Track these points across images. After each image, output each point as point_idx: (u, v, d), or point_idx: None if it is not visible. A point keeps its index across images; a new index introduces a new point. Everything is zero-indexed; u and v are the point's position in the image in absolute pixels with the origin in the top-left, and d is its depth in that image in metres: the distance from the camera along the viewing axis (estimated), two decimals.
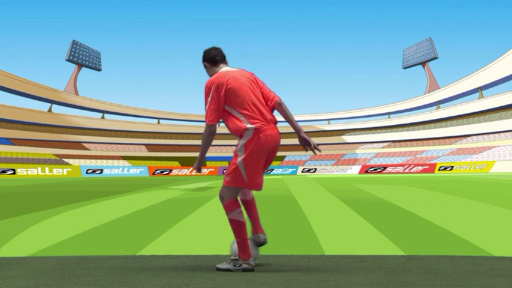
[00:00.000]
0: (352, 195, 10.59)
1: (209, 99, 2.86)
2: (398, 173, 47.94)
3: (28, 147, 51.53)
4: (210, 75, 3.08)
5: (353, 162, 56.59)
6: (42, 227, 5.24)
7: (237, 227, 2.80)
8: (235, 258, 2.83)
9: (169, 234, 4.55)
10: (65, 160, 51.61)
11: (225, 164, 59.92)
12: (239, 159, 2.82)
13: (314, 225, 5.13)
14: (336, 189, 12.98)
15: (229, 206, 2.82)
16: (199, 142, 68.10)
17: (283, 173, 53.23)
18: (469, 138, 53.64)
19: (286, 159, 61.78)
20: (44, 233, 4.80)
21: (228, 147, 67.80)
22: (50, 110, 57.31)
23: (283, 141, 66.26)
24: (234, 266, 2.82)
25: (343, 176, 35.73)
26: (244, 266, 2.81)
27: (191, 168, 2.87)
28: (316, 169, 53.03)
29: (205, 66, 3.10)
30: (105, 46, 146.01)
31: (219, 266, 2.86)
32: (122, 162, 56.55)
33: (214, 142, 68.13)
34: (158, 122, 69.40)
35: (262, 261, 3.07)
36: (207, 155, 64.45)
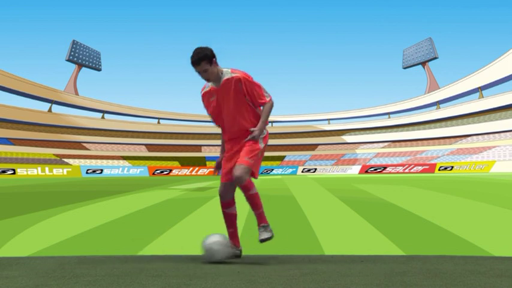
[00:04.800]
0: (352, 195, 10.59)
1: (260, 85, 3.13)
2: (398, 173, 47.95)
3: (28, 147, 51.52)
4: (214, 73, 3.07)
5: (353, 162, 56.58)
6: (42, 227, 5.24)
7: (259, 199, 3.05)
8: (265, 224, 3.06)
9: (169, 234, 4.55)
10: (65, 160, 51.62)
11: None
12: (262, 146, 3.10)
13: (314, 225, 5.13)
14: (336, 189, 12.98)
15: (251, 183, 3.00)
16: (199, 142, 68.10)
17: (283, 173, 53.20)
18: (469, 138, 53.65)
19: (286, 159, 61.74)
20: (44, 233, 4.80)
21: None
22: (50, 110, 57.31)
23: (283, 141, 66.33)
24: (271, 231, 3.07)
25: (343, 176, 35.73)
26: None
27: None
28: (316, 169, 53.02)
29: (212, 63, 3.03)
30: (105, 46, 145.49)
31: (263, 237, 3.03)
32: (122, 162, 56.55)
33: (214, 142, 68.21)
34: (158, 122, 69.39)
35: (262, 261, 3.07)
36: (207, 154, 64.50)
